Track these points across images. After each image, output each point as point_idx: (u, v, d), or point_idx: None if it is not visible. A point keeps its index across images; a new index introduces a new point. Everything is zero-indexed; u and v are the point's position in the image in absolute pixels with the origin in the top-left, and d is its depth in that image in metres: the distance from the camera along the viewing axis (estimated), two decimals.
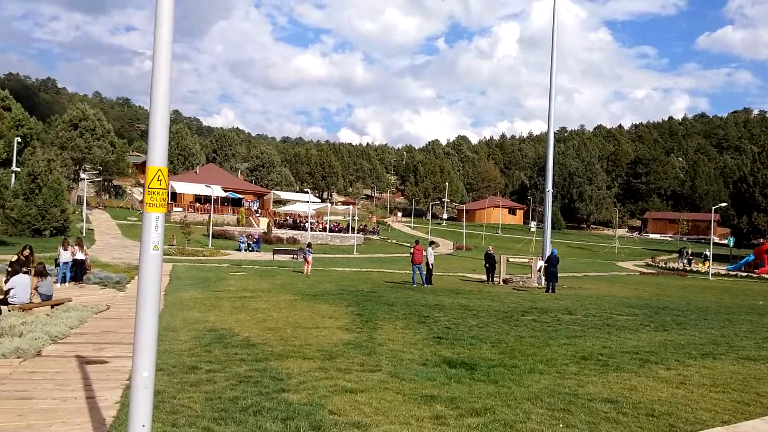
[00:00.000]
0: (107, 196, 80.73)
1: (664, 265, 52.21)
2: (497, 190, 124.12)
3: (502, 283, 26.37)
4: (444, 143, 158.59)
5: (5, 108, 60.37)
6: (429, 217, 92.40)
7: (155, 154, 3.48)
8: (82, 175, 52.56)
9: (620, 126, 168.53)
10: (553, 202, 32.99)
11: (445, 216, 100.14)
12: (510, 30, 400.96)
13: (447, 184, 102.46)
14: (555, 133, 32.32)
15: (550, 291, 22.24)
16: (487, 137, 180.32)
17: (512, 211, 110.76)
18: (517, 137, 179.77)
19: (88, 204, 52.70)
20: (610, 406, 6.49)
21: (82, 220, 45.03)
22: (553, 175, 30.87)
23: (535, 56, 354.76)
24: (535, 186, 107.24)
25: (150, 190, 3.42)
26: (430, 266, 23.82)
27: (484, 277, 27.50)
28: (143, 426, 3.50)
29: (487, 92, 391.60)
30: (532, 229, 76.69)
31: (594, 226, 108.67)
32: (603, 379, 7.75)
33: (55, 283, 19.43)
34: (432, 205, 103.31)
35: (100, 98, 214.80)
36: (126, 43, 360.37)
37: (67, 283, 19.42)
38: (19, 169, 46.79)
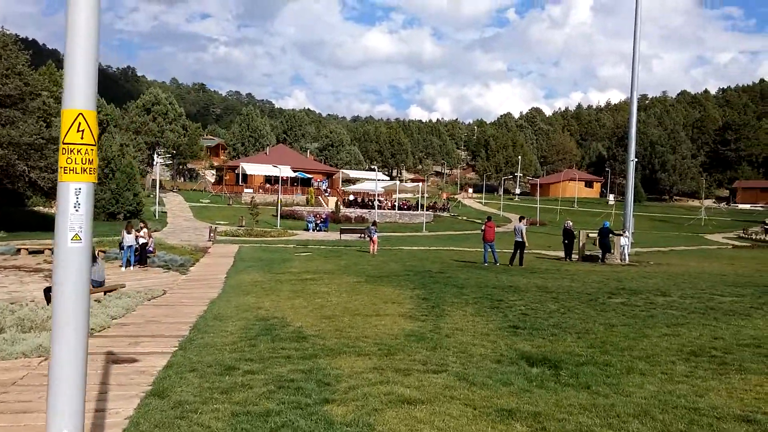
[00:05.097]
0: (181, 179, 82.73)
1: (756, 237, 48.28)
2: (573, 163, 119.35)
3: (581, 260, 24.59)
4: (516, 116, 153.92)
5: None
6: (501, 192, 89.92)
7: (74, 89, 2.22)
8: (156, 159, 53.61)
9: (706, 91, 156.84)
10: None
11: (517, 191, 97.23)
12: None
13: (520, 157, 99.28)
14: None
15: (600, 262, 23.34)
16: (562, 109, 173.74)
17: (589, 184, 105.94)
18: (594, 107, 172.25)
19: (162, 187, 53.78)
20: (749, 429, 4.90)
21: (156, 203, 45.83)
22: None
23: (612, 22, 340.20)
24: (613, 157, 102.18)
25: (66, 147, 2.18)
26: (526, 243, 21.29)
27: (561, 254, 25.77)
28: None
29: (560, 63, 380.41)
30: (610, 202, 73.00)
31: (677, 198, 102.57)
32: (726, 384, 6.16)
33: (120, 266, 19.34)
34: (504, 180, 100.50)
35: (177, 84, 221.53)
36: (201, 30, 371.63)
37: (132, 267, 19.23)
38: None
